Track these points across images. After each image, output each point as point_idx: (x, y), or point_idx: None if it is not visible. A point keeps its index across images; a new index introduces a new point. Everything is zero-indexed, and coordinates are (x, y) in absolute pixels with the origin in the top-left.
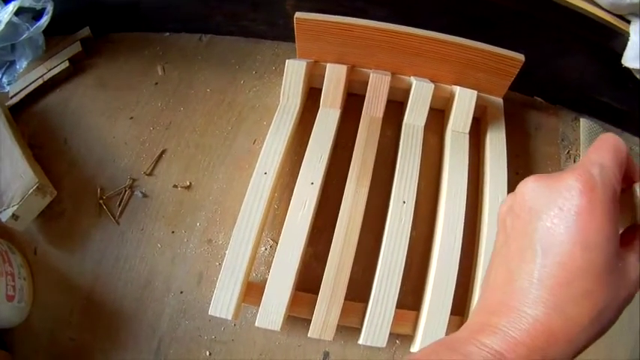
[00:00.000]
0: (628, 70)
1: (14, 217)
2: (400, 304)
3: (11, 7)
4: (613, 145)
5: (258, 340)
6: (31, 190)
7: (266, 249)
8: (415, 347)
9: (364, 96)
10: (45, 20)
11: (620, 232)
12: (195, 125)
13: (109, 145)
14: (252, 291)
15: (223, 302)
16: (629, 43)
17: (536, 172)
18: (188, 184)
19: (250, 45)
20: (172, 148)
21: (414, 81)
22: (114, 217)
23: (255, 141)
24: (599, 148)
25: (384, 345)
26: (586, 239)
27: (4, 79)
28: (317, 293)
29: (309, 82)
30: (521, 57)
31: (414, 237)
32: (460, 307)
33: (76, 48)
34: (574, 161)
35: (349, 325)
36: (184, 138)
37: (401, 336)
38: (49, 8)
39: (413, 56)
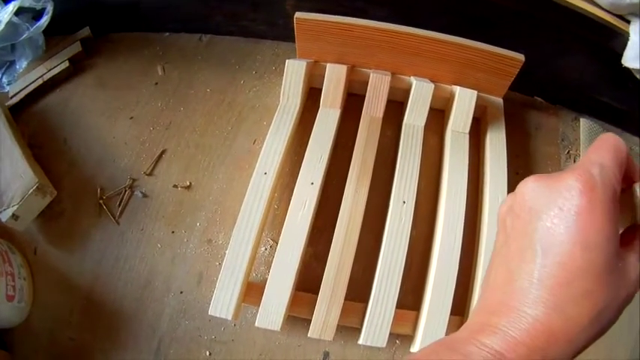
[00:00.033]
0: (628, 70)
1: (14, 217)
2: (400, 304)
3: (11, 7)
4: (613, 145)
5: (258, 340)
6: (31, 190)
7: (266, 249)
8: (415, 347)
9: (364, 96)
10: (45, 20)
11: (621, 232)
12: (195, 125)
13: (109, 145)
14: (252, 291)
15: (223, 302)
16: (629, 43)
17: (537, 172)
18: (188, 184)
19: (250, 45)
20: (172, 148)
21: (414, 81)
22: (114, 217)
23: (255, 141)
24: (599, 148)
25: (384, 345)
26: (586, 239)
27: (4, 79)
28: (317, 293)
29: (309, 82)
30: (521, 57)
31: (414, 236)
32: (460, 307)
33: (75, 48)
34: (574, 161)
35: (349, 325)
36: (184, 138)
37: (401, 336)
38: (49, 8)
39: (413, 56)
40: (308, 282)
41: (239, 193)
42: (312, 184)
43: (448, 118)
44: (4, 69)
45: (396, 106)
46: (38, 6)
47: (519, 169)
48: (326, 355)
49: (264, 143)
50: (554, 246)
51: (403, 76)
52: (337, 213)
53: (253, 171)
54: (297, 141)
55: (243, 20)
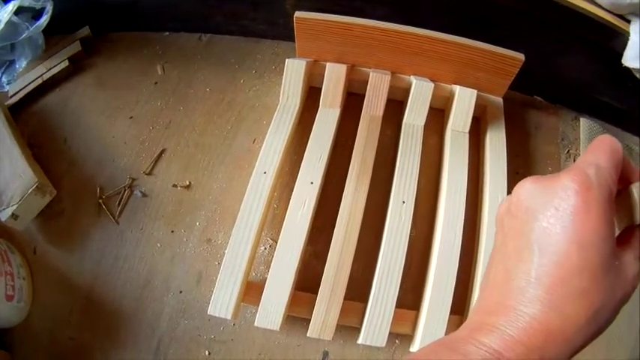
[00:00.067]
0: (628, 70)
1: (14, 216)
2: (400, 303)
3: (11, 7)
4: (609, 146)
5: (257, 340)
6: (31, 190)
7: (265, 248)
8: (415, 347)
9: (364, 95)
10: (44, 20)
11: (618, 232)
12: (194, 124)
13: (109, 144)
14: (252, 290)
15: (222, 302)
16: (629, 43)
17: (536, 171)
18: (187, 183)
19: (250, 44)
20: (172, 147)
21: (413, 80)
22: (113, 217)
23: (254, 140)
24: (595, 150)
25: (384, 344)
26: (582, 238)
27: (4, 79)
28: (316, 292)
29: (308, 81)
30: (521, 56)
31: (414, 236)
32: (460, 306)
33: (75, 47)
34: (574, 160)
35: (348, 325)
36: (184, 137)
37: (400, 335)
38: (49, 8)
39: (413, 55)
40: (307, 281)
41: (238, 193)
42: (312, 183)
43: (448, 117)
44: (3, 68)
45: (395, 106)
46: (38, 5)
47: (519, 168)
48: (325, 354)
49: (264, 142)
50: (550, 245)
51: (403, 76)
52: (337, 212)
53: (253, 170)
54: (297, 140)
55: (243, 19)
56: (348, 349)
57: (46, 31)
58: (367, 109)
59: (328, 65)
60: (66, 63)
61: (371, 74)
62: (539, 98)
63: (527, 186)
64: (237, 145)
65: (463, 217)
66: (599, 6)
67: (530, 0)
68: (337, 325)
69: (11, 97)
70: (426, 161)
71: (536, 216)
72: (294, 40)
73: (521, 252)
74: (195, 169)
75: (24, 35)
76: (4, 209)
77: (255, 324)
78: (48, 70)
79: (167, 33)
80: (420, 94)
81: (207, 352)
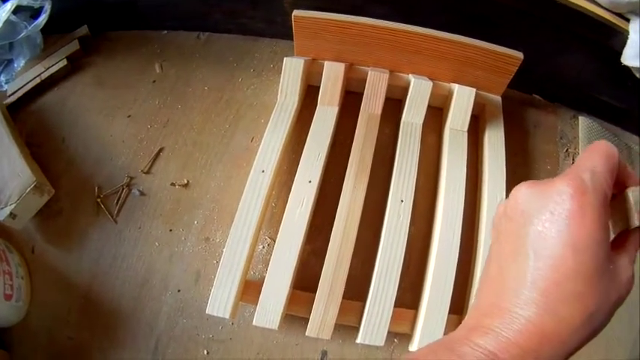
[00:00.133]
0: (627, 69)
1: (12, 215)
2: (398, 302)
3: (9, 6)
4: (605, 151)
5: (255, 339)
6: (29, 189)
7: (264, 247)
8: (413, 346)
9: (362, 94)
10: (43, 19)
11: (613, 236)
12: (192, 123)
13: (107, 143)
14: (250, 289)
15: (221, 301)
16: (629, 42)
17: (535, 169)
18: (186, 182)
19: (248, 43)
20: (170, 146)
21: (412, 79)
22: (111, 216)
23: (252, 139)
24: (590, 154)
25: (382, 344)
26: (577, 242)
27: (2, 78)
28: (315, 291)
29: (307, 79)
30: (519, 55)
31: (413, 234)
32: (459, 305)
33: (73, 46)
34: (572, 159)
35: (347, 324)
36: (182, 136)
37: (399, 335)
38: (47, 7)
39: (411, 54)
40: (306, 280)
41: (237, 191)
42: (310, 181)
43: (446, 115)
44: (1, 67)
45: (394, 104)
46: (36, 4)
47: (518, 167)
48: (324, 354)
49: (262, 141)
50: (545, 249)
51: (401, 74)
52: (335, 211)
53: (251, 169)
54: (295, 139)
55: (242, 18)
56: (347, 349)
57: (45, 30)
58: (365, 108)
59: (326, 64)
60: (64, 62)
61: (369, 73)
62: (537, 97)
63: (523, 190)
64: (236, 144)
65: (462, 216)
66: (599, 4)
67: None
68: (336, 324)
69: (9, 96)
70: (424, 160)
71: (531, 220)
72: (292, 39)
73: (516, 255)
74: (194, 168)
75: (22, 34)
76: (2, 208)
77: (254, 323)
78: (46, 69)
79: (165, 31)
80: (419, 92)
81: (205, 352)
